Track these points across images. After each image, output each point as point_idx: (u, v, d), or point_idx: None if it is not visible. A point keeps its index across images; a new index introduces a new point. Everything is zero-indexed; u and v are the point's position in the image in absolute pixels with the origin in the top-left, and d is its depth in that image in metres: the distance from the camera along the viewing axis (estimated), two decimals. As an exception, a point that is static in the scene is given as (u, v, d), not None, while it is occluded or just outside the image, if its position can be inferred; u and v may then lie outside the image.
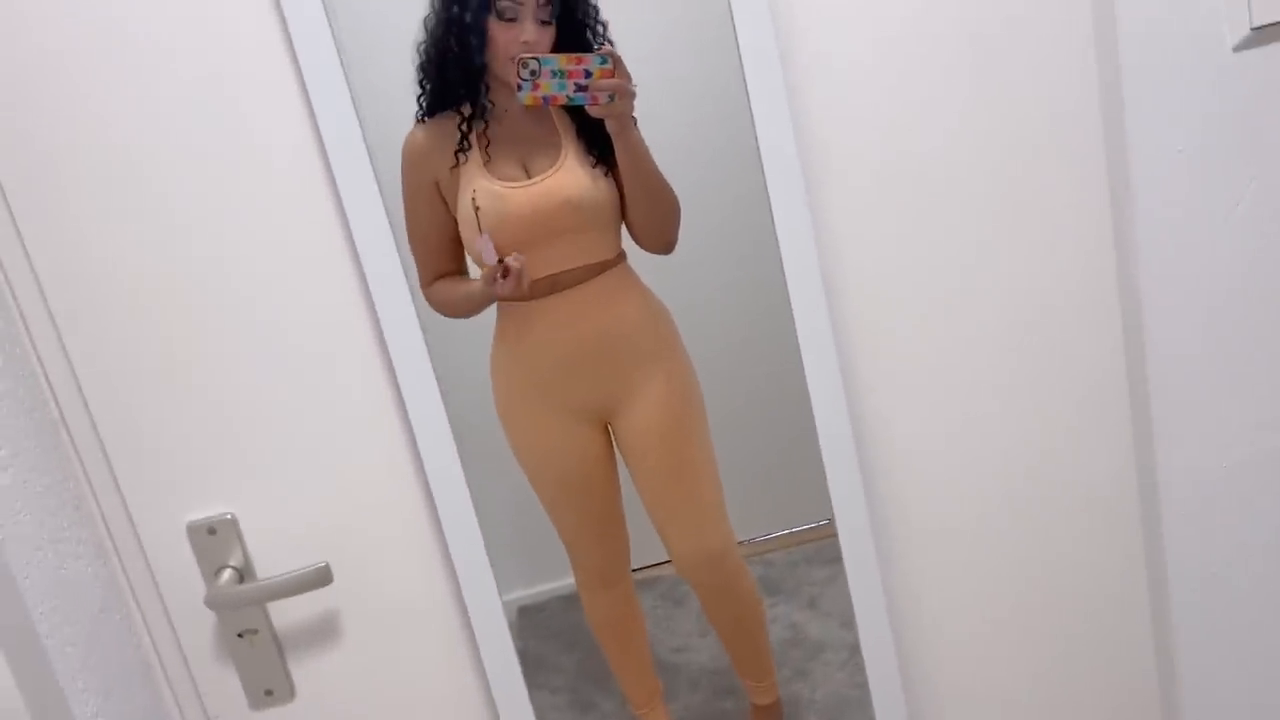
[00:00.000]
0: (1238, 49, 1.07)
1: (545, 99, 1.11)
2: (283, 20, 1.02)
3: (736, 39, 1.08)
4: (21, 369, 1.04)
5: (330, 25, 1.02)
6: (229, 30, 1.03)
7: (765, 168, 1.11)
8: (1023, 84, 1.14)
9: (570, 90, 1.11)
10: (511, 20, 1.15)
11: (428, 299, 1.19)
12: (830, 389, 1.17)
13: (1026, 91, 1.14)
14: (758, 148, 1.11)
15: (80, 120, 1.03)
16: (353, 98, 1.04)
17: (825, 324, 1.15)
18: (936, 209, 1.17)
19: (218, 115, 1.05)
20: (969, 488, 1.26)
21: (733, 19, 1.07)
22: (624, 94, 1.12)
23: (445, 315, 1.20)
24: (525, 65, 1.10)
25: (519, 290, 1.19)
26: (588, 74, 1.10)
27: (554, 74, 1.10)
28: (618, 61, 1.11)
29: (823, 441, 1.19)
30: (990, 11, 1.12)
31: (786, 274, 1.14)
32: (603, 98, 1.12)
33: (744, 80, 1.09)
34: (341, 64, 1.03)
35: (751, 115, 1.10)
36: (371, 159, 1.06)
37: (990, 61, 1.13)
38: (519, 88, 1.11)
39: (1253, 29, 1.06)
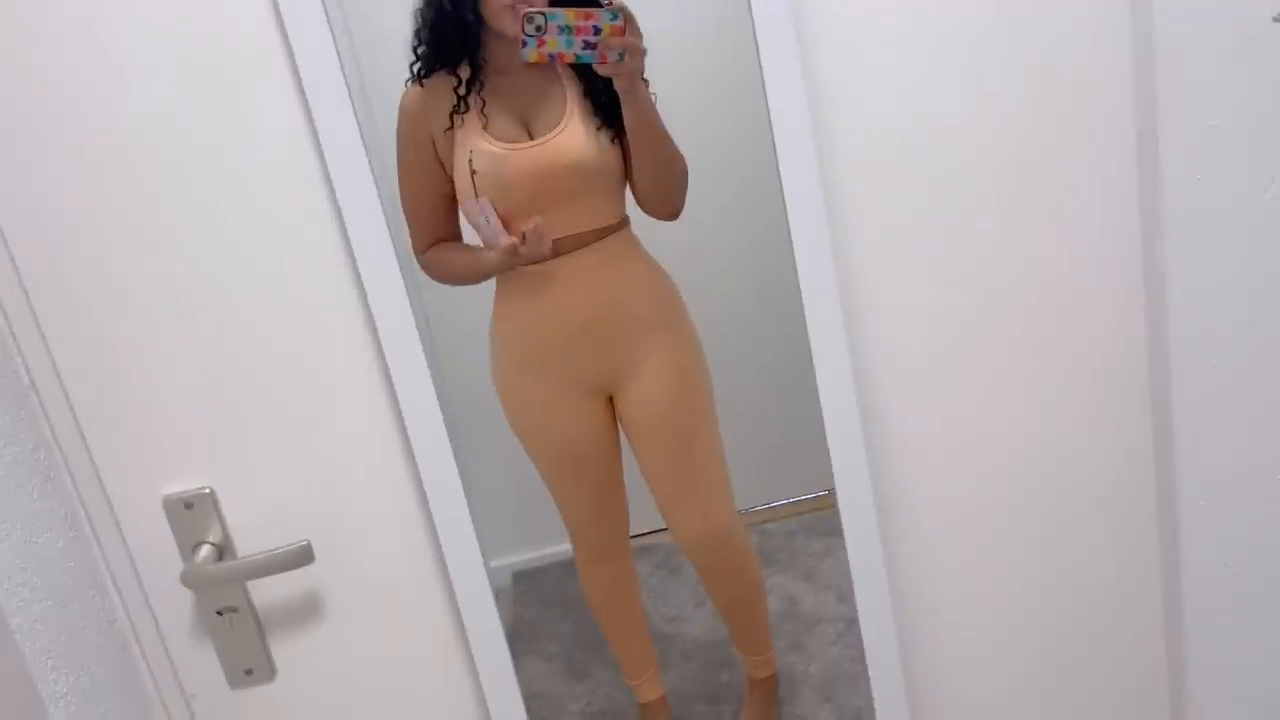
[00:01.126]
0: (1278, 19, 1.01)
1: (551, 56, 1.05)
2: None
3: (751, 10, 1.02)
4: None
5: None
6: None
7: (776, 138, 1.05)
8: (1050, 54, 1.09)
9: (578, 47, 1.05)
10: None
11: (424, 265, 1.16)
12: (837, 362, 1.13)
13: (1053, 60, 1.09)
14: (769, 116, 1.05)
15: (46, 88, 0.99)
16: (338, 53, 0.99)
17: (833, 296, 1.10)
18: (953, 182, 1.12)
19: (199, 77, 1.00)
20: (975, 466, 1.22)
21: None
22: (635, 52, 1.06)
23: (443, 283, 1.17)
24: (530, 20, 1.03)
25: (542, 252, 1.15)
26: (596, 30, 1.04)
27: (561, 29, 1.04)
28: (629, 18, 1.05)
29: (826, 413, 1.15)
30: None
31: (795, 246, 1.09)
32: (612, 56, 1.06)
33: (756, 43, 1.03)
34: (329, 23, 0.97)
35: (764, 83, 1.04)
36: (358, 119, 1.00)
37: (1017, 28, 1.07)
38: (523, 44, 1.04)
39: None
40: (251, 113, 1.02)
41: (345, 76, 0.99)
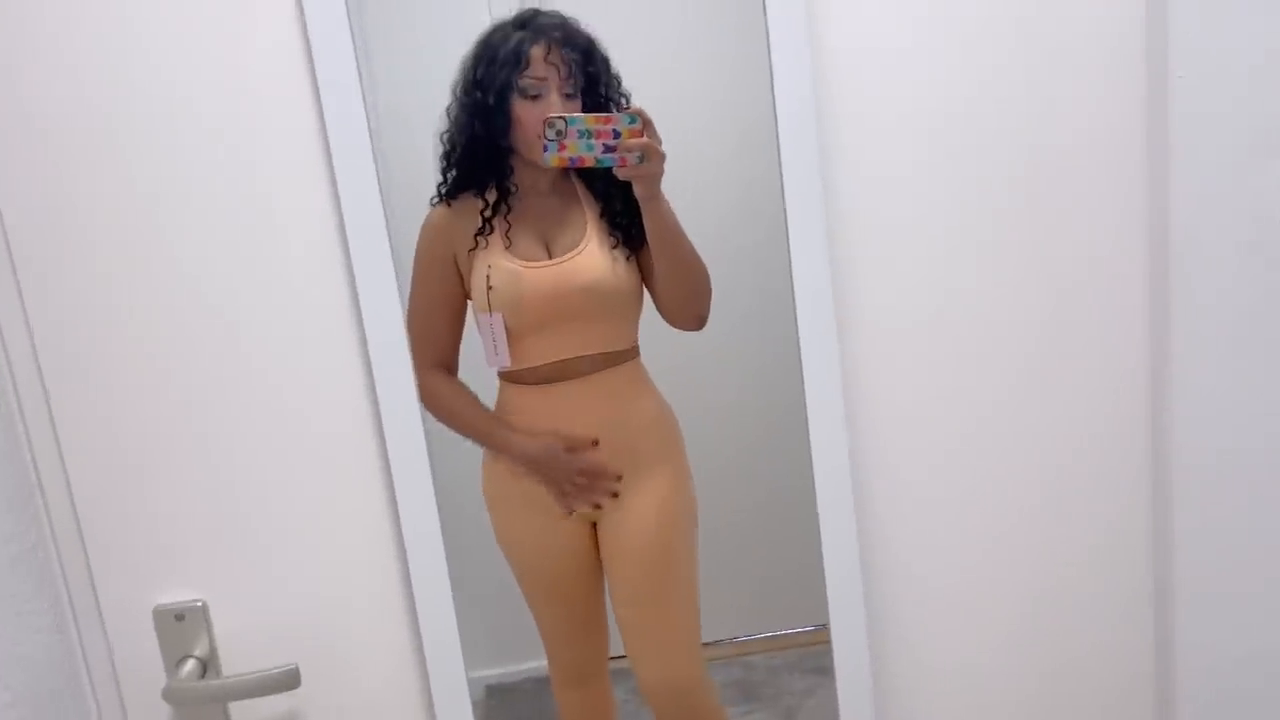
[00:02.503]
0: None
1: (572, 160, 1.08)
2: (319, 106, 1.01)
3: (776, 123, 1.05)
4: (4, 431, 1.00)
5: (364, 103, 1.00)
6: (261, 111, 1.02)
7: (794, 268, 1.08)
8: (1067, 242, 1.13)
9: (598, 151, 1.07)
10: (535, 98, 1.14)
11: (421, 389, 1.14)
12: (839, 492, 1.14)
13: (1072, 243, 1.13)
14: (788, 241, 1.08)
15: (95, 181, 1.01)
16: (378, 176, 1.01)
17: (841, 438, 1.12)
18: (969, 345, 1.15)
19: (238, 181, 1.03)
20: (976, 609, 1.22)
21: (773, 95, 1.05)
22: (653, 154, 1.08)
23: (436, 417, 1.16)
24: (551, 125, 1.06)
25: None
26: (616, 134, 1.06)
27: (581, 134, 1.06)
28: (647, 121, 1.07)
29: (825, 547, 1.15)
30: (1038, 164, 1.11)
31: (805, 382, 1.10)
32: (631, 158, 1.08)
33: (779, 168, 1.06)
34: (373, 149, 1.01)
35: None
36: (390, 234, 1.03)
37: (1034, 215, 1.12)
38: (545, 149, 1.07)
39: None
40: (292, 235, 1.04)
41: (380, 184, 1.01)
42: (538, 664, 1.36)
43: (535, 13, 1.14)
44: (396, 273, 1.04)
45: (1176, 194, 1.06)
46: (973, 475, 1.18)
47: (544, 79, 1.13)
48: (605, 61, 1.15)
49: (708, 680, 1.34)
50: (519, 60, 1.13)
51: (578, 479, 1.22)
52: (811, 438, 1.12)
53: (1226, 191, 1.05)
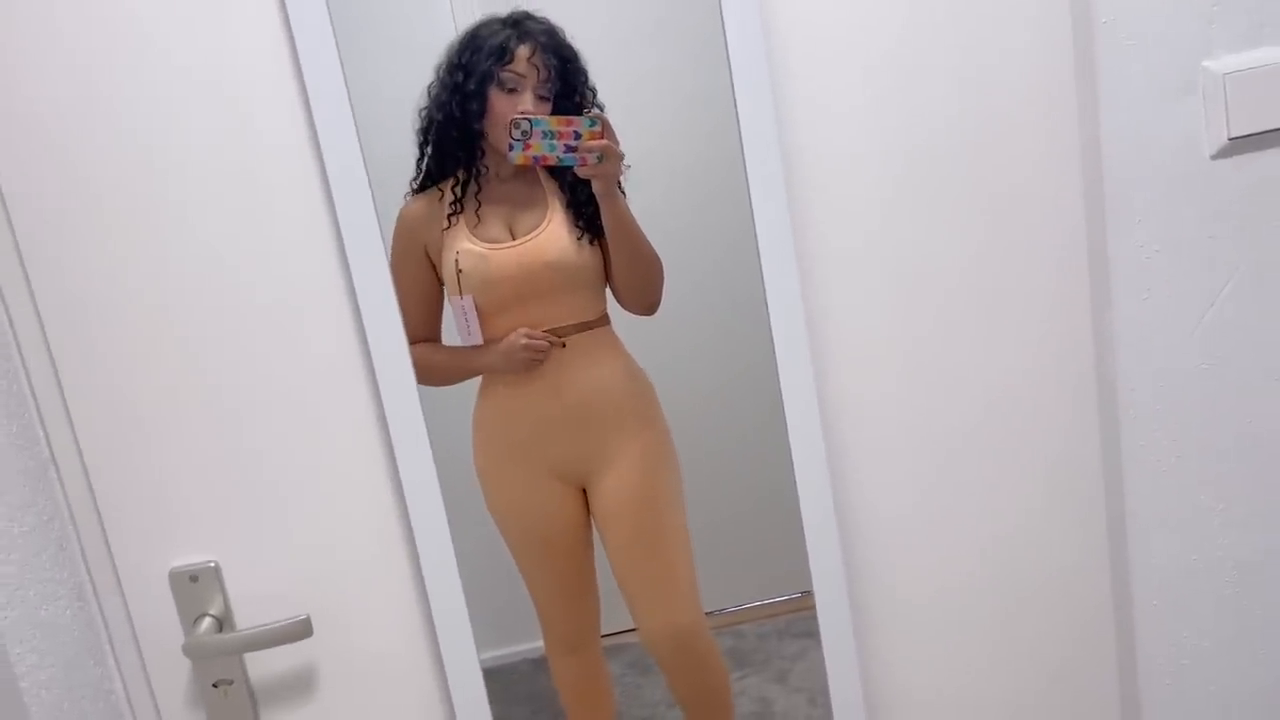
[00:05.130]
0: (1215, 157, 1.12)
1: (535, 158, 1.15)
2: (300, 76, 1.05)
3: (739, 124, 1.11)
4: (17, 406, 1.04)
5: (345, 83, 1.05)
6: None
7: (759, 240, 1.14)
8: (1006, 182, 1.18)
9: (560, 151, 1.15)
10: (512, 91, 1.20)
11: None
12: (814, 464, 1.19)
13: (1011, 183, 1.18)
14: (755, 232, 1.14)
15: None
16: (363, 153, 1.06)
17: (811, 395, 1.17)
18: (920, 289, 1.20)
19: (225, 169, 1.07)
20: (949, 567, 1.27)
21: (734, 97, 1.10)
22: (611, 155, 1.16)
23: (421, 380, 1.19)
24: (517, 126, 1.14)
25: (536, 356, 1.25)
26: (577, 135, 1.14)
27: (545, 134, 1.14)
28: (606, 125, 1.16)
29: (804, 512, 1.20)
30: (977, 118, 1.16)
31: (776, 349, 1.16)
32: (591, 158, 1.16)
33: (744, 166, 1.12)
34: (354, 120, 1.05)
35: (750, 200, 1.13)
36: (376, 206, 1.08)
37: (974, 158, 1.17)
38: (510, 147, 1.15)
39: (1230, 139, 1.11)
40: (280, 207, 1.09)
41: (368, 173, 1.06)
42: (532, 645, 1.39)
43: (527, 15, 1.20)
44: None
45: (1107, 129, 1.13)
46: (924, 404, 1.23)
47: (523, 76, 1.19)
48: (584, 74, 1.21)
49: (706, 625, 1.38)
50: (503, 54, 1.19)
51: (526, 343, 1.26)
52: (782, 379, 1.17)
53: (1151, 126, 1.12)
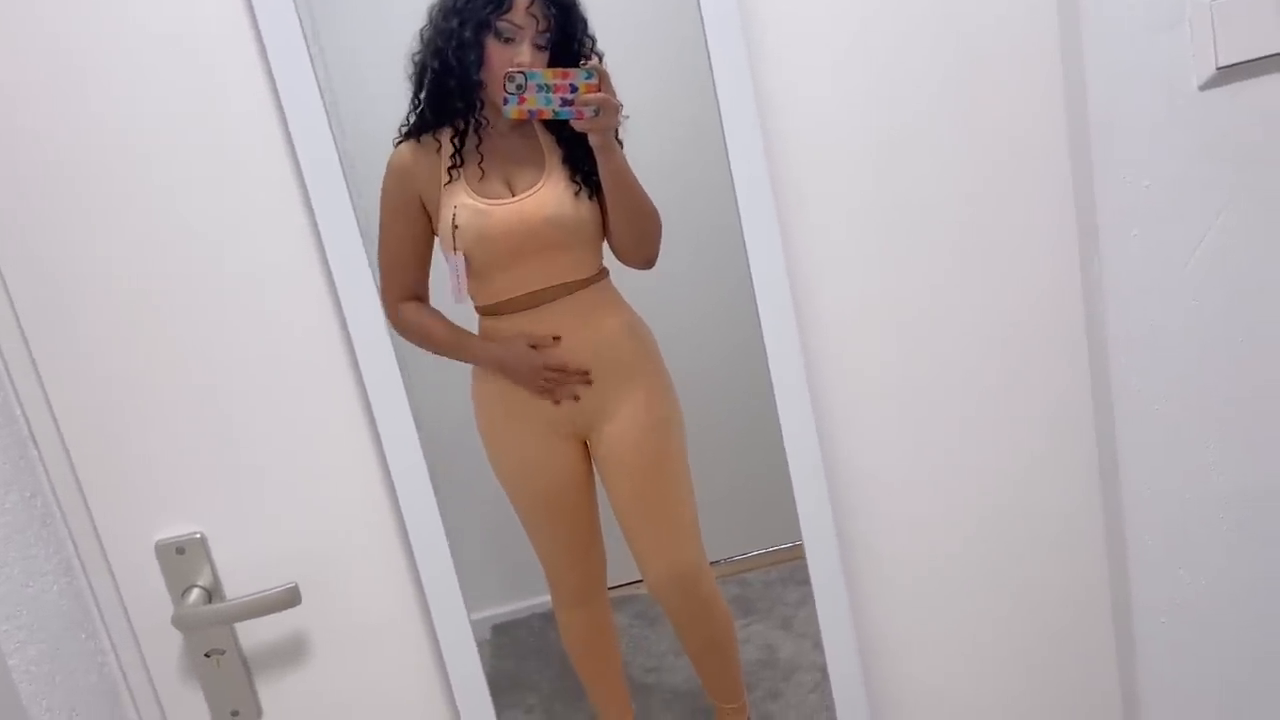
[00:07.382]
0: (1203, 88, 1.09)
1: (531, 112, 1.12)
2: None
3: (712, 71, 1.10)
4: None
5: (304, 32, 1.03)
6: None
7: (738, 195, 1.12)
8: (991, 125, 1.16)
9: (556, 104, 1.12)
10: (509, 41, 1.16)
11: (397, 323, 1.17)
12: (799, 415, 1.19)
13: (995, 127, 1.17)
14: (731, 174, 1.12)
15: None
16: (327, 109, 1.04)
17: (796, 351, 1.17)
18: (906, 237, 1.18)
19: (190, 125, 1.05)
20: (937, 513, 1.27)
21: (708, 49, 1.09)
22: (608, 107, 1.13)
23: (412, 342, 1.20)
24: (512, 79, 1.10)
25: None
26: (573, 88, 1.11)
27: (540, 88, 1.11)
28: (603, 77, 1.12)
29: (791, 466, 1.20)
30: (958, 54, 1.14)
31: (758, 301, 1.15)
32: (587, 112, 1.12)
33: (720, 116, 1.11)
34: (316, 77, 1.04)
35: (725, 145, 1.12)
36: (346, 173, 1.06)
37: (959, 101, 1.15)
38: (505, 101, 1.11)
39: (1218, 68, 1.08)
40: (251, 174, 1.07)
41: (335, 135, 1.05)
42: (539, 600, 1.40)
43: None
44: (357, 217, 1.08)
45: (1092, 66, 1.10)
46: (915, 361, 1.23)
47: (521, 27, 1.15)
48: (583, 23, 1.17)
49: (709, 571, 1.39)
50: (501, 3, 1.15)
51: (546, 374, 1.26)
52: (770, 366, 1.17)
53: (1138, 59, 1.09)
